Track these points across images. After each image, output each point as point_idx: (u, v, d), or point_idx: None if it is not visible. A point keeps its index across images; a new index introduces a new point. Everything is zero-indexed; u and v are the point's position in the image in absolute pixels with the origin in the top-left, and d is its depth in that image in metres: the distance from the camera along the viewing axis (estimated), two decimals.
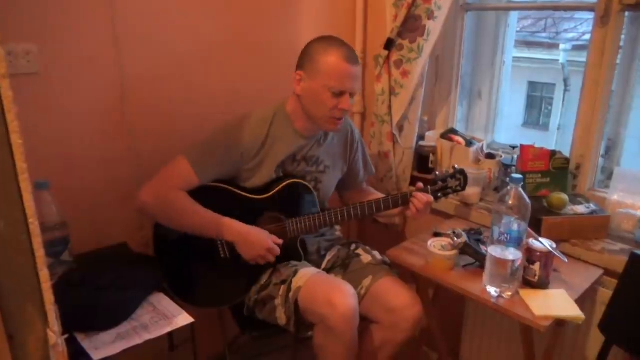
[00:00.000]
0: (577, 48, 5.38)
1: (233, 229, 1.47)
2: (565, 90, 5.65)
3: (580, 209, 1.58)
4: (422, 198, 1.55)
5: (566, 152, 1.73)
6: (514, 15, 2.01)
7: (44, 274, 0.70)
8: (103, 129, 1.56)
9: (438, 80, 2.10)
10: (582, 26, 5.34)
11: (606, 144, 1.72)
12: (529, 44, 5.73)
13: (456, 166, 1.63)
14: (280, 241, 1.51)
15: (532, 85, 7.00)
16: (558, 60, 5.53)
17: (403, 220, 2.10)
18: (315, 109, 1.48)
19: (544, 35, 5.87)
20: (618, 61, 1.60)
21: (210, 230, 1.47)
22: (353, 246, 1.71)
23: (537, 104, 7.19)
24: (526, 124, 7.27)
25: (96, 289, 1.23)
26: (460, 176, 1.62)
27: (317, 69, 1.45)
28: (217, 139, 1.50)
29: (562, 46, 5.50)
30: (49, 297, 0.71)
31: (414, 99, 1.91)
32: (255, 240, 1.47)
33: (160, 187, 1.45)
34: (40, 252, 0.68)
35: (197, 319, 1.27)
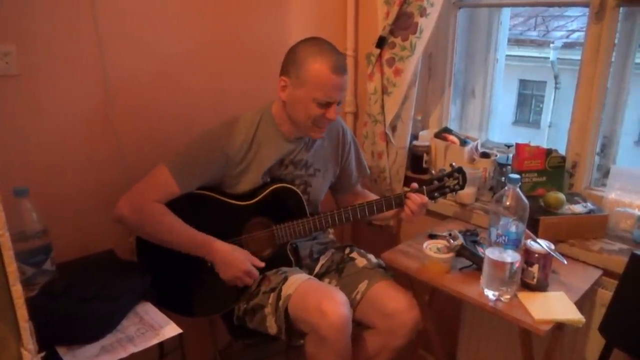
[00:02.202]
0: (567, 46, 5.40)
1: (214, 248, 1.43)
2: (556, 88, 5.67)
3: (578, 208, 1.55)
4: (416, 199, 1.51)
5: (559, 150, 1.70)
6: (506, 12, 1.99)
7: (17, 290, 0.66)
8: (87, 131, 1.51)
9: (431, 79, 2.07)
10: (572, 24, 5.36)
11: (602, 142, 1.70)
12: (519, 42, 5.75)
13: (454, 164, 1.58)
14: (262, 264, 1.48)
15: (522, 83, 7.03)
16: (548, 58, 5.54)
17: (397, 222, 2.06)
18: (300, 117, 1.44)
19: (533, 33, 5.89)
20: (612, 58, 1.58)
21: (190, 249, 1.43)
22: (347, 250, 1.67)
23: (527, 102, 7.23)
24: (517, 121, 7.30)
25: (79, 299, 1.17)
26: (459, 175, 1.56)
27: (303, 78, 1.39)
28: (200, 145, 1.45)
29: (552, 44, 5.52)
30: (22, 313, 0.67)
31: (407, 97, 1.87)
32: (233, 260, 1.43)
33: (137, 198, 1.39)
34: (12, 267, 0.64)
35: (187, 326, 1.23)
